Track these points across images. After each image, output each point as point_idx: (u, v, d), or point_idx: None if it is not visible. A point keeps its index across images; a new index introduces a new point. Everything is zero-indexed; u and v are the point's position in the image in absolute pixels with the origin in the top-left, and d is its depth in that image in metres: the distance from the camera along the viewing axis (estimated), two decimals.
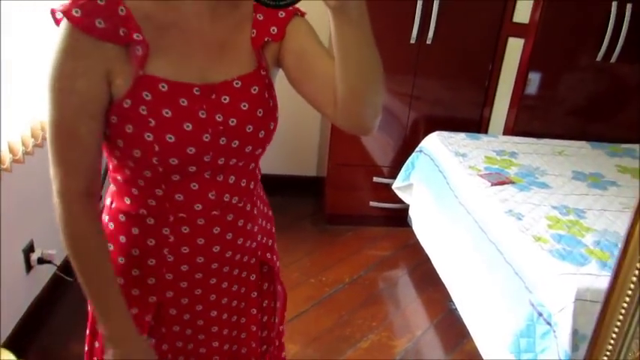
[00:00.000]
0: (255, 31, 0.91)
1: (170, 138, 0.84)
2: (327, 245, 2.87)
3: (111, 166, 0.93)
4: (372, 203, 2.98)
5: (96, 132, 0.85)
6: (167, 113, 0.84)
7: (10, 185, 1.86)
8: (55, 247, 2.16)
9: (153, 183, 0.89)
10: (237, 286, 1.04)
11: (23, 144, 1.85)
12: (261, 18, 0.91)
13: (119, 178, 0.92)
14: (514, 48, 2.77)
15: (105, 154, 0.91)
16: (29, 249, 2.07)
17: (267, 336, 1.16)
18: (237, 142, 0.90)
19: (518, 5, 2.71)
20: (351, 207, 3.00)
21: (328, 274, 2.62)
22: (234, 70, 0.90)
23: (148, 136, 0.83)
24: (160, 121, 0.83)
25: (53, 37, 0.82)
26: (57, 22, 0.82)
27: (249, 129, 0.91)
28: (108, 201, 0.98)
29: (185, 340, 1.04)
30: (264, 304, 1.12)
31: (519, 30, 2.72)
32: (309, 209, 3.15)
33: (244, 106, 0.90)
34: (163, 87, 0.84)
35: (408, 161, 2.75)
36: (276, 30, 0.91)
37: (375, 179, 2.95)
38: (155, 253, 0.94)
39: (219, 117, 0.88)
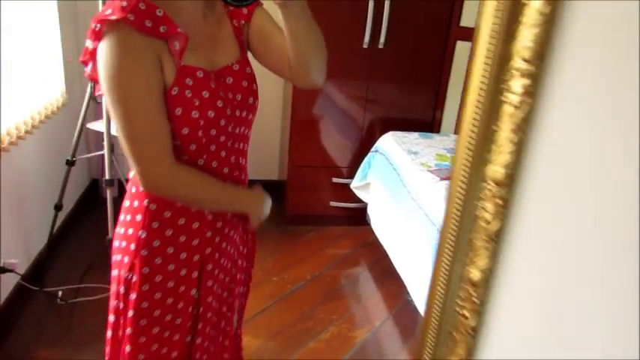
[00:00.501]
0: (233, 20, 1.17)
1: (210, 114, 1.07)
2: (289, 245, 3.00)
3: None
4: (332, 203, 3.12)
5: (164, 113, 1.03)
6: (205, 94, 1.06)
7: None
8: (17, 256, 2.23)
9: (195, 155, 1.10)
10: (242, 244, 1.33)
11: None
12: (232, 9, 1.16)
13: None
14: (462, 51, 2.97)
15: None
16: None
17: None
18: (245, 112, 1.16)
19: (465, 9, 2.91)
20: (311, 208, 3.14)
21: (290, 273, 2.75)
22: (228, 57, 1.14)
23: (195, 114, 1.05)
24: (202, 101, 1.06)
25: (103, 48, 0.99)
26: (97, 34, 0.99)
27: (250, 101, 1.17)
28: (141, 187, 1.12)
29: (219, 293, 1.27)
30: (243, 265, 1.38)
31: (467, 33, 2.93)
32: (272, 212, 3.27)
33: (245, 83, 1.16)
34: (200, 74, 1.06)
35: (364, 161, 2.91)
36: (246, 11, 1.18)
37: (335, 180, 3.10)
38: (198, 217, 1.15)
39: (230, 95, 1.12)
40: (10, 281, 2.25)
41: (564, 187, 0.53)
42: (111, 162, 2.14)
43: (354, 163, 3.05)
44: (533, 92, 0.49)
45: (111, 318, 1.22)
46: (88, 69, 1.06)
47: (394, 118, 3.07)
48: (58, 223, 2.56)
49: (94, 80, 1.06)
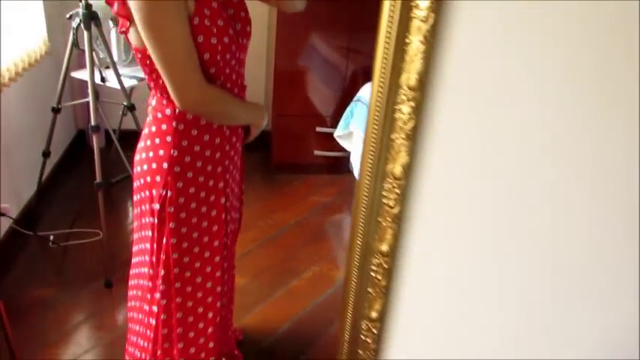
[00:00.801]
0: None
1: (226, 40, 1.21)
2: (274, 193, 3.13)
3: None
4: (317, 152, 3.24)
5: (191, 37, 1.16)
6: (220, 23, 1.19)
7: None
8: (8, 200, 2.34)
9: (214, 77, 1.24)
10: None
11: None
12: None
13: None
14: None
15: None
16: None
17: None
18: (244, 39, 1.32)
19: None
20: (296, 156, 3.25)
21: (275, 218, 2.88)
22: None
23: (213, 41, 1.18)
24: (218, 29, 1.19)
25: None
26: None
27: (247, 29, 1.32)
28: (167, 112, 1.28)
29: (234, 203, 1.51)
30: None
31: None
32: (258, 161, 3.39)
33: (242, 14, 1.30)
34: (214, 5, 1.19)
35: (347, 110, 3.00)
36: None
37: (318, 129, 3.19)
38: (219, 132, 1.32)
39: (234, 24, 1.26)
40: (2, 225, 2.37)
41: (470, 88, 0.64)
42: (96, 109, 2.22)
43: (337, 112, 3.14)
44: (436, 9, 0.58)
45: (148, 233, 1.38)
46: (115, 7, 1.18)
47: None
48: (47, 171, 2.66)
49: (122, 17, 1.18)
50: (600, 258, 0.85)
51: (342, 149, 3.12)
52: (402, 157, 0.67)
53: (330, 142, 3.15)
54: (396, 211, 0.70)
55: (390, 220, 0.71)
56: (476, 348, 0.88)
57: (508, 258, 0.80)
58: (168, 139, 1.28)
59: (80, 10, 2.17)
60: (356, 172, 3.00)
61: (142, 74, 2.68)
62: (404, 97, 0.64)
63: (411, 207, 0.72)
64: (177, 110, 1.26)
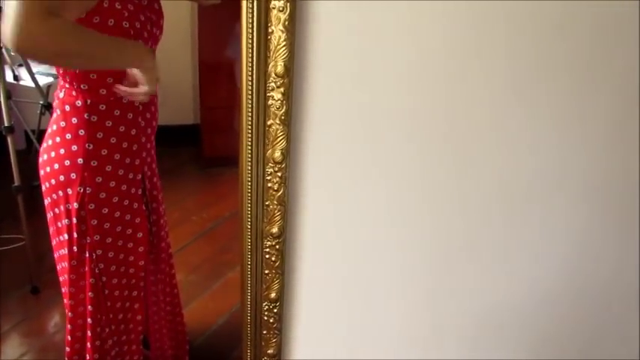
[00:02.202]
0: None
1: (137, 24, 1.19)
2: (207, 186, 3.12)
3: (78, 70, 1.21)
4: None
5: None
6: (131, 7, 1.17)
7: None
8: None
9: None
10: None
11: None
12: None
13: (92, 75, 1.21)
14: None
15: None
16: None
17: None
18: (158, 30, 1.30)
19: None
20: (228, 148, 3.24)
21: (209, 211, 2.88)
22: None
23: (125, 24, 1.16)
24: (129, 12, 1.17)
25: None
26: None
27: (161, 21, 1.31)
28: (78, 103, 1.24)
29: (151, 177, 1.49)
30: None
31: None
32: (190, 155, 3.36)
33: (156, 6, 1.29)
34: None
35: None
36: None
37: None
38: (134, 123, 1.31)
39: (147, 13, 1.24)
40: None
41: (335, 69, 0.70)
42: (9, 108, 2.14)
43: None
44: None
45: (64, 237, 1.35)
46: None
47: None
48: None
49: None
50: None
51: None
52: (281, 143, 0.71)
53: None
54: (280, 193, 0.75)
55: (276, 202, 0.75)
56: (381, 308, 0.94)
57: (388, 227, 0.87)
58: (81, 132, 1.25)
59: None
60: None
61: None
62: (273, 85, 0.68)
63: (294, 188, 0.77)
64: (88, 101, 1.24)
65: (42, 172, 1.33)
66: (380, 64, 0.71)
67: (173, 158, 3.24)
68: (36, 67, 2.47)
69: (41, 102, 2.46)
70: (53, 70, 2.58)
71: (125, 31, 1.17)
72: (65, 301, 1.51)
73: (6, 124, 2.14)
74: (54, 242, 1.43)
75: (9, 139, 2.16)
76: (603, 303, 1.06)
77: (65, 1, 1.03)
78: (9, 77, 2.37)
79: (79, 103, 1.23)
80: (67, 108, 1.25)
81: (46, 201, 1.37)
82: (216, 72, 3.05)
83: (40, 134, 2.77)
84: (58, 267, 1.47)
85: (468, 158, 0.84)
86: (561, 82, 0.82)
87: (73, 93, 1.23)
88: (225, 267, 2.50)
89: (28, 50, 1.02)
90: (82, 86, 1.23)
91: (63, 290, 1.50)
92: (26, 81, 2.46)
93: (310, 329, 0.91)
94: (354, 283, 0.90)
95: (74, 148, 1.26)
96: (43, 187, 1.35)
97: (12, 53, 2.41)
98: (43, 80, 2.47)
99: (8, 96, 2.18)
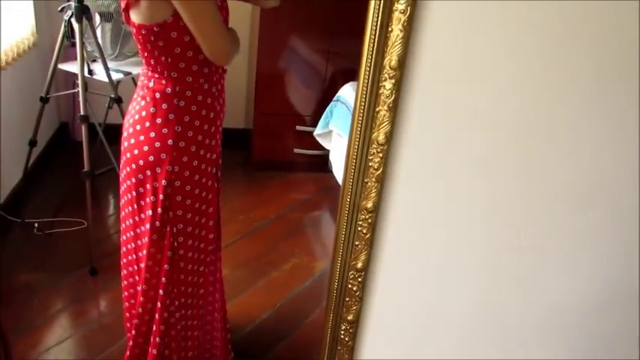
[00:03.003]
0: None
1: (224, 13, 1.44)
2: (255, 189, 3.27)
3: (171, 59, 1.38)
4: (296, 150, 3.39)
5: None
6: (218, 3, 1.37)
7: None
8: None
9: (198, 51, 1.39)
10: None
11: None
12: None
13: (182, 64, 1.39)
14: None
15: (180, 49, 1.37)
16: None
17: None
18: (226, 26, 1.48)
19: None
20: (276, 154, 3.40)
21: (256, 212, 3.02)
22: None
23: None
24: (217, 7, 1.37)
25: None
26: None
27: (228, 18, 1.47)
28: (168, 90, 1.40)
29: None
30: None
31: None
32: (239, 158, 3.52)
33: (224, 4, 1.43)
34: None
35: (326, 110, 3.17)
36: None
37: (298, 127, 3.35)
38: (212, 107, 1.48)
39: (225, 15, 1.44)
40: None
41: (442, 65, 0.82)
42: (85, 99, 2.33)
43: (317, 112, 3.30)
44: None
45: (148, 213, 1.49)
46: None
47: (355, 69, 3.31)
48: (31, 161, 2.74)
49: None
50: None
51: (322, 148, 3.29)
52: (386, 127, 0.83)
53: (310, 140, 3.31)
54: (379, 172, 0.86)
55: (374, 180, 0.86)
56: (452, 293, 1.04)
57: (467, 219, 0.97)
58: (171, 116, 1.41)
59: (72, 4, 2.28)
60: (335, 170, 3.16)
61: (127, 69, 2.79)
62: (386, 75, 0.80)
63: (392, 169, 0.89)
64: (177, 88, 1.40)
65: (127, 155, 1.47)
66: (483, 69, 0.83)
67: (223, 160, 3.39)
68: (110, 64, 2.66)
69: (112, 95, 2.64)
70: (123, 68, 2.78)
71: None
72: (124, 283, 1.66)
73: (82, 113, 2.33)
74: (127, 223, 1.57)
75: (83, 128, 2.35)
76: None
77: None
78: (85, 71, 2.56)
79: (168, 90, 1.40)
80: (158, 95, 1.41)
81: (127, 183, 1.50)
82: (272, 80, 3.21)
83: (105, 127, 2.98)
84: (129, 246, 1.60)
85: (540, 163, 0.95)
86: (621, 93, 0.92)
87: (163, 82, 1.40)
88: (269, 266, 2.62)
89: (227, 60, 1.43)
90: (172, 74, 1.39)
91: (130, 269, 1.63)
92: (99, 76, 2.66)
93: (388, 301, 1.01)
94: (430, 264, 1.00)
95: (164, 130, 1.42)
96: (127, 169, 1.49)
97: (88, 49, 2.61)
98: (114, 76, 2.66)
99: (85, 87, 2.37)
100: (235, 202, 3.10)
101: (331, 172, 3.22)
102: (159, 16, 1.30)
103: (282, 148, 3.39)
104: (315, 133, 3.25)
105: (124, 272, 1.66)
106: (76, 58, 2.35)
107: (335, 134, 3.14)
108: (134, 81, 2.81)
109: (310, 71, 3.26)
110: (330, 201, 3.25)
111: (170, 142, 1.42)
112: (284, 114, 3.33)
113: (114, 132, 2.93)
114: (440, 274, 1.02)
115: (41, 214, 2.69)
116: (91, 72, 2.68)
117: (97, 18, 2.65)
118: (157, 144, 1.43)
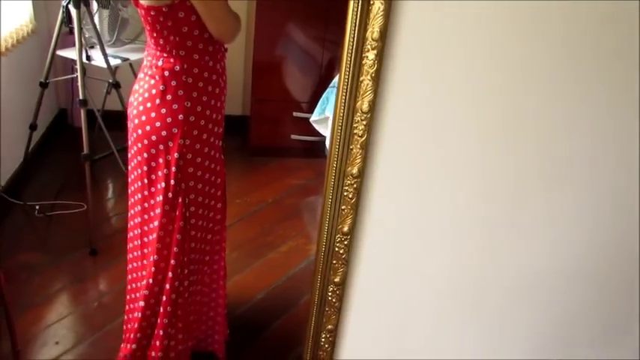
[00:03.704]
0: None
1: None
2: (252, 174, 3.33)
3: (179, 38, 1.44)
4: (293, 136, 3.45)
5: None
6: None
7: None
8: None
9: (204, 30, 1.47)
10: None
11: None
12: None
13: (189, 42, 1.46)
14: None
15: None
16: None
17: None
18: None
19: None
20: (273, 140, 3.46)
21: (253, 196, 3.08)
22: None
23: (193, 17, 1.43)
24: None
25: None
26: None
27: None
28: (176, 68, 1.47)
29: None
30: None
31: None
32: (237, 144, 3.58)
33: None
34: None
35: (323, 96, 3.22)
36: None
37: (295, 114, 3.41)
38: (217, 83, 1.55)
39: None
40: None
41: (423, 38, 0.87)
42: (84, 84, 2.38)
43: (313, 98, 3.36)
44: None
45: (161, 185, 1.56)
46: None
47: None
48: (32, 145, 2.80)
49: None
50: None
51: (318, 134, 3.34)
52: (369, 96, 0.88)
53: (307, 126, 3.36)
54: (363, 139, 0.92)
55: (359, 147, 0.92)
56: (432, 256, 1.11)
57: (447, 183, 1.03)
58: (180, 92, 1.49)
59: None
60: None
61: (125, 55, 2.84)
62: (369, 46, 0.85)
63: (376, 136, 0.94)
64: (185, 65, 1.47)
65: (139, 132, 1.54)
66: (460, 39, 0.88)
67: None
68: (108, 50, 2.71)
69: (110, 80, 2.70)
70: (120, 54, 2.83)
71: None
72: (130, 256, 1.73)
73: (81, 97, 2.38)
74: (135, 197, 1.63)
75: (82, 112, 2.40)
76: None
77: None
78: (83, 57, 2.61)
79: (177, 67, 1.47)
80: (167, 73, 1.48)
81: (138, 158, 1.58)
82: (269, 67, 3.26)
83: (104, 114, 3.03)
84: (136, 220, 1.66)
85: (520, 126, 1.01)
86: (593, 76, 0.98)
87: (172, 60, 1.47)
88: (266, 248, 2.68)
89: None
90: (180, 52, 1.46)
91: (135, 242, 1.69)
92: (97, 61, 2.71)
93: (372, 263, 1.08)
94: (411, 227, 1.07)
95: (175, 106, 1.49)
96: (139, 145, 1.56)
97: (86, 35, 2.66)
98: (112, 62, 2.71)
99: (83, 73, 2.42)
100: (233, 186, 3.16)
101: (327, 157, 3.27)
102: None
103: (279, 134, 3.45)
104: (311, 120, 3.30)
105: (129, 246, 1.73)
106: (74, 45, 2.40)
107: (331, 120, 3.19)
108: (132, 67, 2.87)
109: (307, 58, 3.31)
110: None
111: (181, 117, 1.50)
112: (281, 100, 3.38)
113: (112, 118, 3.00)
114: (420, 237, 1.08)
115: (42, 197, 2.75)
116: (89, 58, 2.73)
117: (95, 5, 2.70)
118: (169, 119, 1.50)
